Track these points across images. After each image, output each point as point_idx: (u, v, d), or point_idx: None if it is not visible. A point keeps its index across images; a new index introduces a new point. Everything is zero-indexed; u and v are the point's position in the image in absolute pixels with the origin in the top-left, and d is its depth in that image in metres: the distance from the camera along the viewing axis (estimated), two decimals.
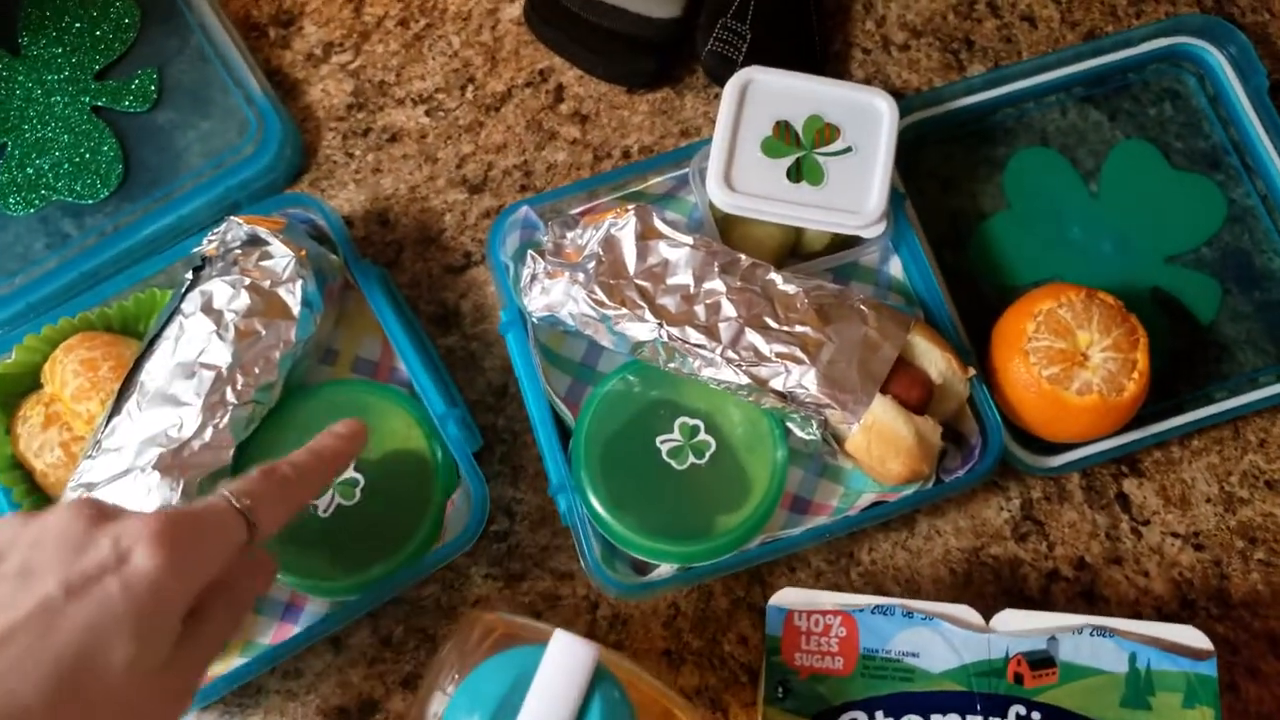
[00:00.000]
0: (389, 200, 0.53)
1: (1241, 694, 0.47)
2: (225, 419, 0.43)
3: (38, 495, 0.45)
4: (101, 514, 0.32)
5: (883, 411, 0.43)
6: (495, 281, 0.49)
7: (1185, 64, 0.55)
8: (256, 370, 0.43)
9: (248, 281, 0.44)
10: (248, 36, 0.55)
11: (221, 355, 0.43)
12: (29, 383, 0.47)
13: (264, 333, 0.44)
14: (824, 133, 0.48)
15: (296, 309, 0.44)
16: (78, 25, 0.52)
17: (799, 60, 0.52)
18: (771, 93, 0.48)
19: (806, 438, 0.45)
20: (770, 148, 0.48)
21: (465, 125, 0.54)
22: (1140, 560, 0.48)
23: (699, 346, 0.44)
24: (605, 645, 0.46)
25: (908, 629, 0.41)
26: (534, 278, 0.46)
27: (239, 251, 0.45)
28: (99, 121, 0.51)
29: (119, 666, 0.30)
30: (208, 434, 0.42)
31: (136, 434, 0.42)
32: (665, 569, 0.45)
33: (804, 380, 0.43)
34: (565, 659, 0.31)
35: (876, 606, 0.41)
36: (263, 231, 0.45)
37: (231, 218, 0.46)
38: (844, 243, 0.49)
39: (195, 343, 0.43)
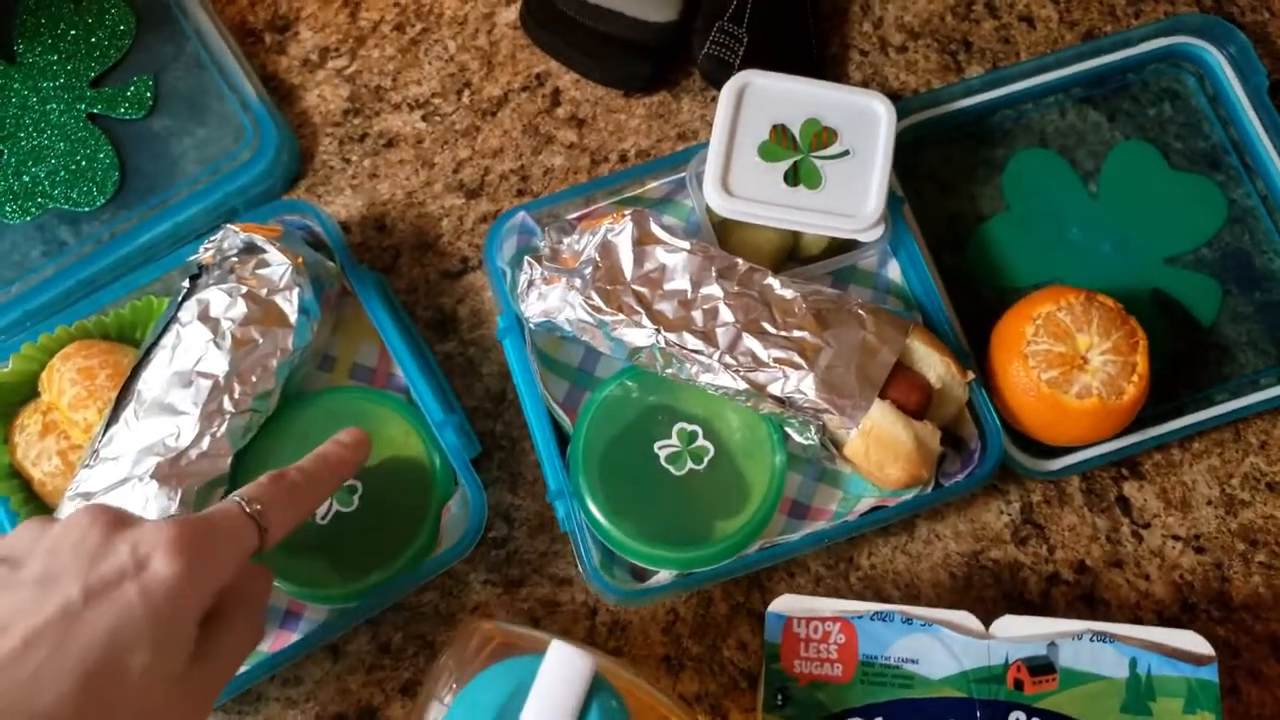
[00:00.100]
0: (386, 206, 0.53)
1: (1243, 697, 0.46)
2: (223, 428, 0.42)
3: (35, 504, 0.45)
4: (118, 520, 0.32)
5: (881, 416, 0.43)
6: (492, 287, 0.49)
7: (1184, 64, 0.55)
8: (254, 378, 0.43)
9: (244, 289, 0.44)
10: (243, 42, 0.55)
11: (218, 364, 0.43)
12: (26, 391, 0.47)
13: (261, 341, 0.43)
14: (821, 136, 0.48)
15: (293, 317, 0.44)
16: (73, 32, 0.52)
17: (796, 63, 0.52)
18: (768, 96, 0.48)
19: (805, 443, 0.45)
20: (767, 151, 0.47)
21: (462, 130, 0.54)
22: (1141, 563, 0.48)
23: (696, 352, 0.44)
24: (604, 651, 0.46)
25: (907, 635, 0.41)
26: (531, 283, 0.46)
27: (235, 259, 0.45)
28: (95, 129, 0.51)
29: (138, 672, 0.30)
30: (205, 443, 0.42)
31: (134, 443, 0.42)
32: (664, 575, 0.45)
33: (802, 385, 0.43)
34: (563, 669, 0.31)
35: (875, 613, 0.41)
36: (259, 239, 0.45)
37: (228, 225, 0.46)
38: (842, 246, 0.49)
39: (192, 351, 0.43)
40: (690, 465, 0.46)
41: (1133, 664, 0.41)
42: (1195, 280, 0.52)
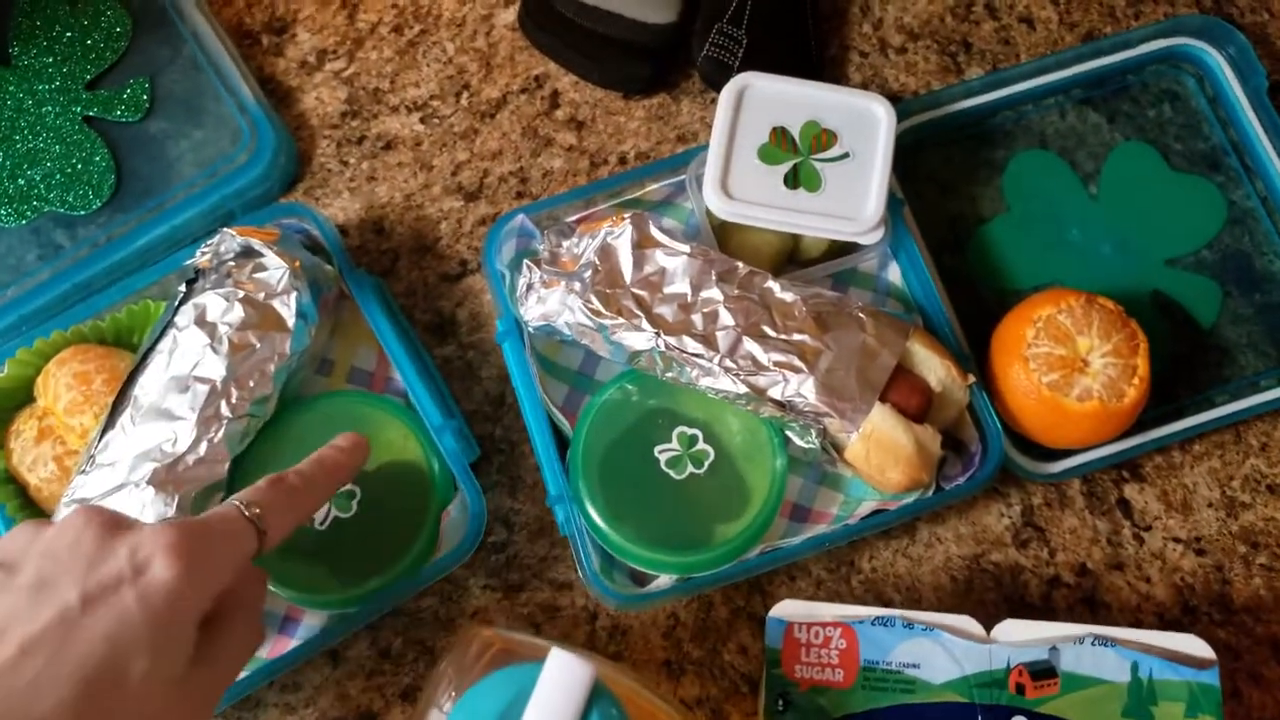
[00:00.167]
0: (384, 208, 0.52)
1: (1244, 700, 0.46)
2: (220, 433, 0.42)
3: (31, 510, 0.45)
4: (115, 524, 0.32)
5: (882, 420, 0.43)
6: (491, 290, 0.49)
7: (1184, 65, 0.55)
8: (251, 383, 0.43)
9: (241, 294, 0.44)
10: (240, 44, 0.54)
11: (215, 369, 0.43)
12: (22, 396, 0.46)
13: (258, 345, 0.43)
14: (821, 138, 0.47)
15: (291, 321, 0.44)
16: (69, 34, 0.52)
17: (796, 65, 0.52)
18: (768, 98, 0.48)
19: (806, 446, 0.45)
20: (767, 154, 0.47)
21: (460, 132, 0.53)
22: (1142, 566, 0.48)
23: (697, 356, 0.44)
24: (605, 656, 0.46)
25: (908, 640, 0.41)
26: (530, 287, 0.46)
27: (232, 264, 0.45)
28: (91, 131, 0.51)
29: (137, 678, 0.30)
30: (202, 448, 0.42)
31: (130, 449, 0.42)
32: (664, 579, 0.45)
33: (802, 389, 0.43)
34: (562, 677, 0.30)
35: (877, 618, 0.41)
36: (256, 243, 0.45)
37: (225, 229, 0.46)
38: (842, 249, 0.49)
39: (189, 356, 0.43)
40: (690, 469, 0.46)
41: (1134, 668, 0.41)
42: (1195, 282, 0.52)
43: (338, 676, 0.46)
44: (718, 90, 0.49)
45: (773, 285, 0.45)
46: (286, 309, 0.44)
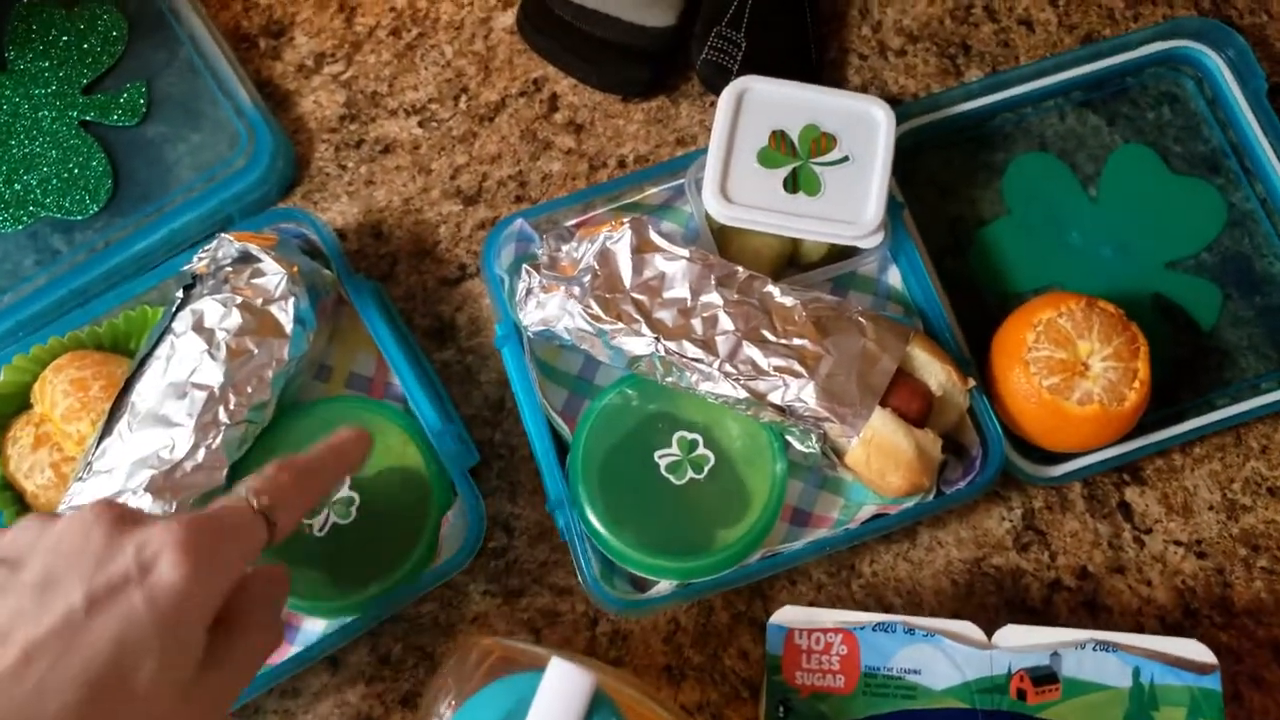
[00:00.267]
0: (382, 212, 0.52)
1: (1245, 703, 0.46)
2: (218, 439, 0.42)
3: None
4: (122, 519, 0.31)
5: (882, 425, 0.43)
6: (490, 295, 0.49)
7: (1183, 67, 0.54)
8: (249, 389, 0.43)
9: (239, 299, 0.44)
10: (238, 48, 0.54)
11: (213, 375, 0.42)
12: (19, 403, 0.46)
13: (256, 351, 0.43)
14: (820, 142, 0.47)
15: (289, 326, 0.44)
16: (65, 39, 0.52)
17: (795, 68, 0.52)
18: (767, 102, 0.48)
19: (806, 451, 0.44)
20: (766, 158, 0.47)
21: (459, 136, 0.53)
22: (1143, 569, 0.48)
23: (696, 360, 0.43)
24: (605, 662, 0.46)
25: (909, 646, 0.41)
26: (529, 292, 0.46)
27: (230, 269, 0.45)
28: (87, 136, 0.51)
29: (144, 683, 0.29)
30: (200, 455, 0.42)
31: (128, 455, 0.42)
32: (664, 585, 0.45)
33: (802, 394, 0.43)
34: (562, 686, 0.30)
35: (878, 624, 0.41)
36: (254, 248, 0.45)
37: (222, 234, 0.45)
38: (842, 253, 0.49)
39: (187, 362, 0.43)
40: (690, 474, 0.45)
41: (1136, 673, 0.41)
42: (1195, 285, 0.52)
43: (337, 683, 0.46)
44: (717, 93, 0.49)
45: (772, 290, 0.45)
46: (284, 314, 0.44)
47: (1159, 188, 0.53)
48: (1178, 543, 0.49)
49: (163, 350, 0.43)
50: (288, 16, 0.55)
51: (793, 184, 0.47)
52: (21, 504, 0.45)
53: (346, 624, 0.44)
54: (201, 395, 0.42)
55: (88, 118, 0.51)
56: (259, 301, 0.44)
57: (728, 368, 0.43)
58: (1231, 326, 0.51)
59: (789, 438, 0.45)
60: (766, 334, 0.44)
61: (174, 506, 0.41)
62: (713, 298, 0.44)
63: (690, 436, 0.46)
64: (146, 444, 0.42)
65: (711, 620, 0.47)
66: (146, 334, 0.46)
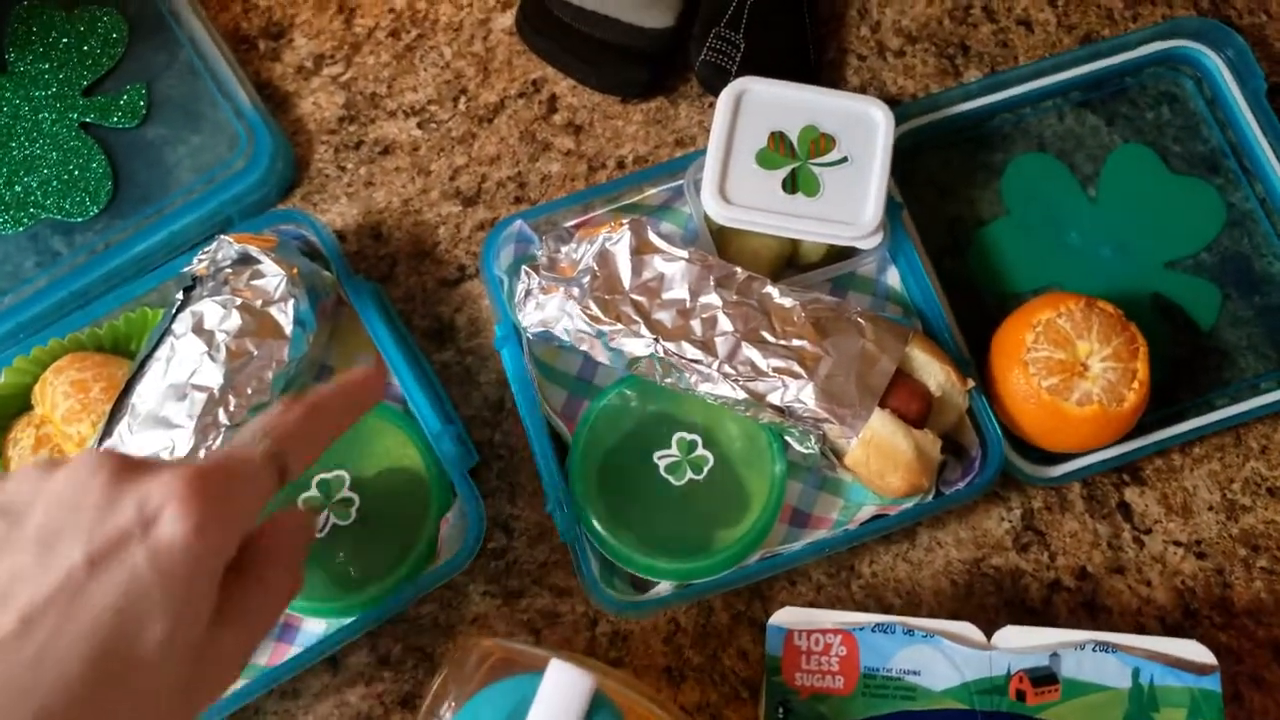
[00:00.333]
0: (382, 214, 0.52)
1: (1245, 703, 0.46)
2: (218, 441, 0.42)
3: None
4: (125, 468, 0.28)
5: (881, 425, 0.43)
6: (489, 296, 0.49)
7: (1182, 67, 0.54)
8: (249, 391, 0.43)
9: (239, 301, 0.44)
10: (237, 49, 0.54)
11: (213, 376, 0.42)
12: (19, 405, 0.46)
13: (256, 353, 0.43)
14: (819, 143, 0.47)
15: (289, 328, 0.44)
16: (65, 41, 0.52)
17: (794, 68, 0.52)
18: (766, 103, 0.48)
19: (805, 452, 0.45)
20: (765, 159, 0.47)
21: (458, 137, 0.53)
22: (1142, 569, 0.48)
23: (696, 361, 0.43)
24: (605, 662, 0.46)
25: (909, 647, 0.41)
26: (528, 293, 0.46)
27: (230, 271, 0.45)
28: (87, 138, 0.51)
29: (152, 646, 0.26)
30: (201, 456, 0.42)
31: None
32: (664, 585, 0.45)
33: (802, 395, 0.43)
34: (562, 688, 0.30)
35: (877, 625, 0.41)
36: (254, 250, 0.45)
37: (222, 236, 0.46)
38: (841, 253, 0.49)
39: (187, 364, 0.43)
40: (690, 475, 0.45)
41: (1135, 674, 0.41)
42: (1195, 285, 0.52)
43: (337, 684, 0.46)
44: (715, 94, 0.49)
45: (771, 290, 0.45)
46: (284, 316, 0.44)
47: (1158, 188, 0.53)
48: (1177, 543, 0.49)
49: (163, 352, 0.43)
50: (287, 18, 0.55)
51: (791, 185, 0.47)
52: None
53: (346, 625, 0.44)
54: (201, 397, 0.42)
55: (88, 120, 0.51)
56: (259, 303, 0.44)
57: (727, 369, 0.43)
58: (1231, 326, 0.51)
59: (788, 439, 0.45)
60: (765, 335, 0.44)
61: None
62: (712, 299, 0.44)
63: (689, 437, 0.46)
64: (147, 446, 0.42)
65: (711, 621, 0.47)
66: (147, 336, 0.46)
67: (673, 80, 0.54)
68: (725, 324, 0.44)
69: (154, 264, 0.49)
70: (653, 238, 0.45)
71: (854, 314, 0.45)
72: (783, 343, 0.44)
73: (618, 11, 0.52)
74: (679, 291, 0.44)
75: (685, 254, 0.45)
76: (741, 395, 0.43)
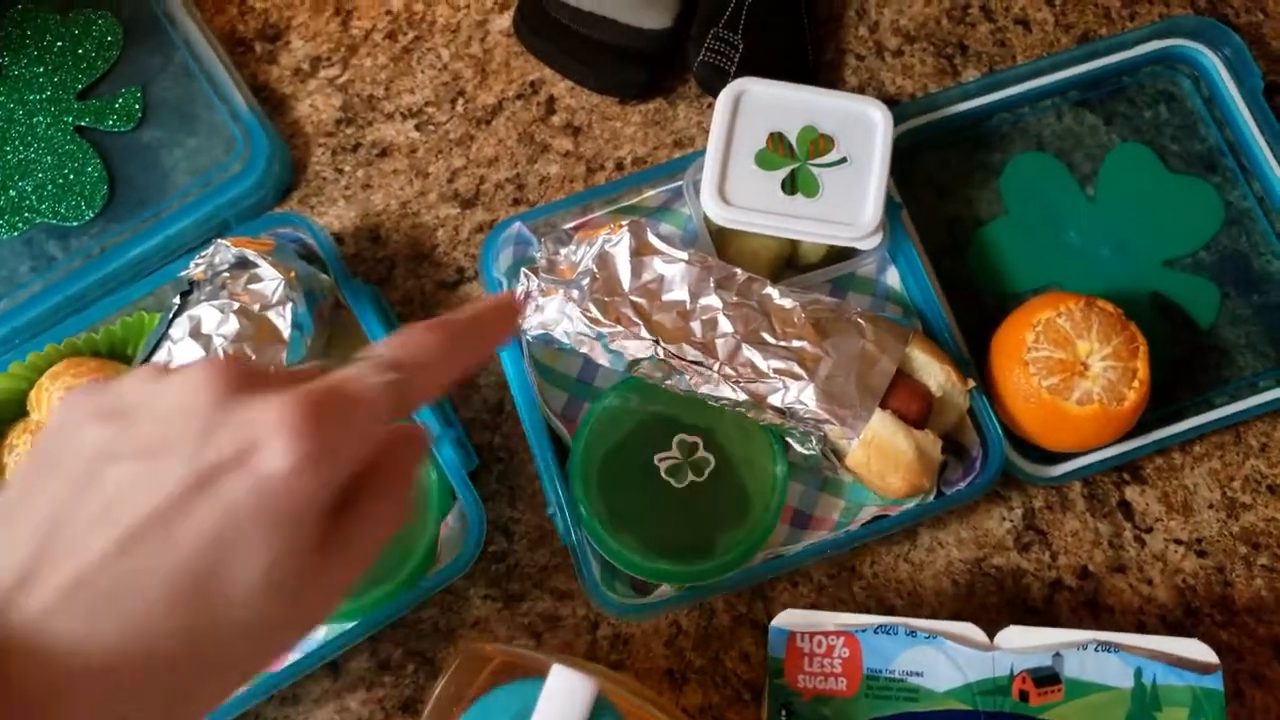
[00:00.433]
0: (380, 216, 0.52)
1: (1247, 701, 0.46)
2: None
3: None
4: (237, 383, 0.26)
5: (882, 426, 0.43)
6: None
7: (1180, 66, 0.55)
8: None
9: (236, 305, 0.43)
10: (233, 52, 0.54)
11: None
12: (15, 410, 0.46)
13: (254, 357, 0.43)
14: (818, 144, 0.47)
15: (287, 332, 0.44)
16: (59, 44, 0.52)
17: (792, 69, 0.52)
18: (765, 104, 0.47)
19: (806, 453, 0.44)
20: (764, 160, 0.47)
21: (456, 139, 0.53)
22: (1144, 568, 0.48)
23: (696, 363, 0.43)
24: (606, 665, 0.46)
25: (911, 648, 0.41)
26: (528, 295, 0.46)
27: (227, 275, 0.45)
28: (83, 142, 0.51)
29: (248, 580, 0.25)
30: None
31: None
32: (666, 588, 0.45)
33: (802, 396, 0.43)
34: (564, 693, 0.30)
35: (879, 626, 0.41)
36: (251, 254, 0.45)
37: (219, 240, 0.45)
38: (841, 254, 0.49)
39: None
40: (691, 477, 0.45)
41: (1138, 674, 0.41)
42: (1193, 283, 0.52)
43: (338, 689, 0.46)
44: (714, 95, 0.48)
45: (771, 292, 0.45)
46: (282, 320, 0.44)
47: (1156, 187, 0.53)
48: (1178, 541, 0.49)
49: (160, 356, 0.43)
50: (283, 20, 0.55)
51: (791, 185, 0.47)
52: None
53: (347, 630, 0.44)
54: None
55: (83, 123, 0.51)
56: (256, 307, 0.44)
57: (727, 370, 0.43)
58: (1230, 325, 0.51)
59: (789, 440, 0.45)
60: (766, 336, 0.44)
61: None
62: (711, 300, 0.44)
63: (690, 439, 0.46)
64: None
65: (713, 623, 0.47)
66: (144, 340, 0.46)
67: (671, 81, 0.54)
68: (725, 325, 0.44)
69: (150, 268, 0.49)
70: (652, 239, 0.45)
71: (854, 315, 0.45)
72: (783, 344, 0.43)
73: (615, 12, 0.52)
74: (679, 293, 0.44)
75: (685, 255, 0.45)
76: (742, 397, 0.43)
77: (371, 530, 0.28)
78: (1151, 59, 0.54)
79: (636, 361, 0.44)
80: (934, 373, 0.45)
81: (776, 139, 0.47)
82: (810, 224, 0.46)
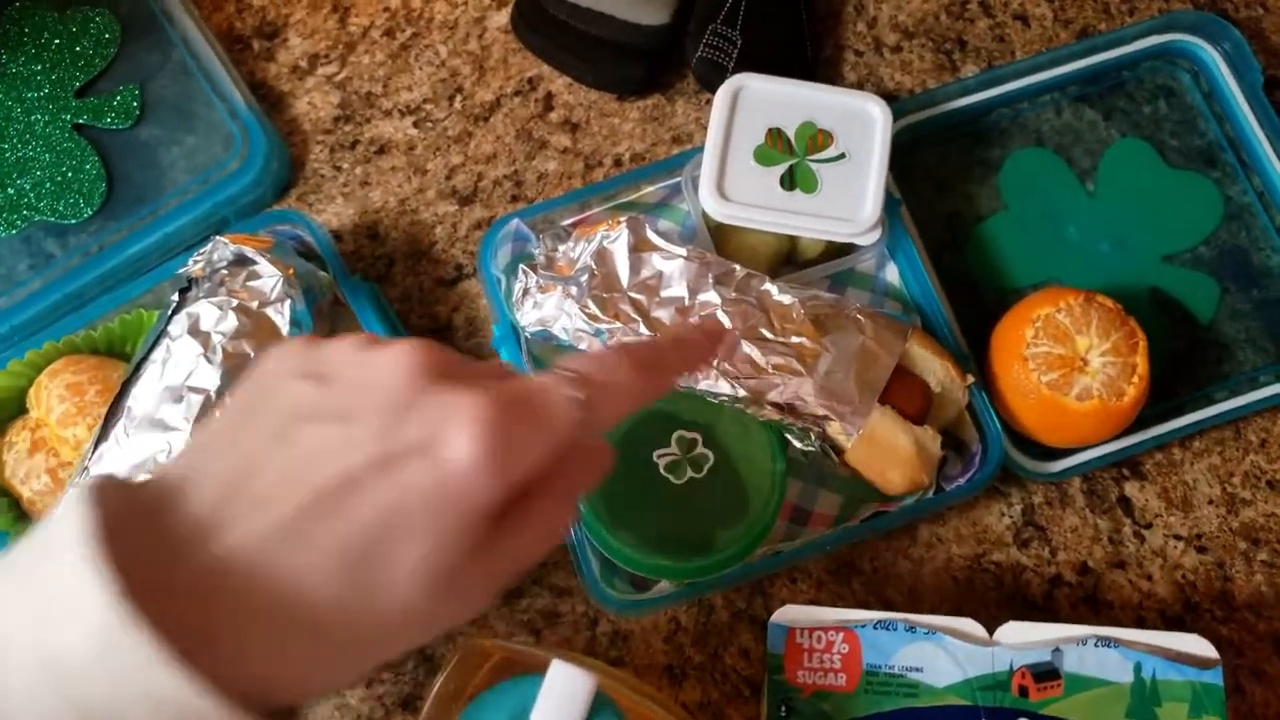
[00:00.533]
0: (378, 213, 0.52)
1: (1247, 696, 0.46)
2: None
3: (25, 523, 0.45)
4: (441, 370, 0.27)
5: (881, 422, 0.43)
6: (487, 295, 0.49)
7: (1179, 61, 0.54)
8: None
9: (235, 303, 0.43)
10: (231, 49, 0.54)
11: (209, 378, 0.42)
12: (14, 408, 0.46)
13: (253, 355, 0.43)
14: (817, 139, 0.47)
15: (285, 329, 0.44)
16: (57, 42, 0.52)
17: (790, 65, 0.52)
18: (763, 99, 0.47)
19: (805, 449, 0.44)
20: (763, 155, 0.47)
21: (454, 136, 0.53)
22: (1143, 564, 0.48)
23: None
24: (606, 662, 0.46)
25: (911, 644, 0.41)
26: (526, 292, 0.46)
27: (225, 272, 0.45)
28: (81, 139, 0.51)
29: (408, 567, 0.25)
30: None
31: (125, 460, 0.42)
32: (665, 584, 0.45)
33: (802, 392, 0.43)
34: (563, 689, 0.30)
35: (879, 622, 0.41)
36: (249, 251, 0.45)
37: (217, 237, 0.45)
38: (839, 250, 0.49)
39: (183, 366, 0.42)
40: (690, 473, 0.45)
41: (1137, 669, 0.41)
42: (1193, 278, 0.52)
43: None
44: (712, 91, 0.48)
45: (770, 288, 0.45)
46: (281, 317, 0.44)
47: (1156, 182, 0.53)
48: (1178, 537, 0.49)
49: (159, 354, 0.43)
50: (281, 18, 0.55)
51: (789, 181, 0.47)
52: (18, 510, 0.45)
53: None
54: (198, 399, 0.42)
55: (81, 121, 0.51)
56: (255, 304, 0.44)
57: (726, 366, 0.43)
58: (1229, 320, 0.51)
59: (788, 436, 0.45)
60: (765, 332, 0.44)
61: None
62: (710, 296, 0.44)
63: (689, 435, 0.46)
64: (143, 448, 0.42)
65: (712, 619, 0.47)
66: (142, 338, 0.46)
67: (669, 77, 0.54)
68: (724, 321, 0.44)
69: (149, 266, 0.49)
70: (651, 235, 0.45)
71: (853, 311, 0.45)
72: (782, 340, 0.43)
73: (613, 8, 0.51)
74: (677, 289, 0.44)
75: (683, 251, 0.45)
76: (741, 393, 0.43)
77: (529, 543, 0.28)
78: (1151, 54, 0.54)
79: None
80: (933, 368, 0.45)
81: (775, 135, 0.47)
82: (809, 220, 0.46)
